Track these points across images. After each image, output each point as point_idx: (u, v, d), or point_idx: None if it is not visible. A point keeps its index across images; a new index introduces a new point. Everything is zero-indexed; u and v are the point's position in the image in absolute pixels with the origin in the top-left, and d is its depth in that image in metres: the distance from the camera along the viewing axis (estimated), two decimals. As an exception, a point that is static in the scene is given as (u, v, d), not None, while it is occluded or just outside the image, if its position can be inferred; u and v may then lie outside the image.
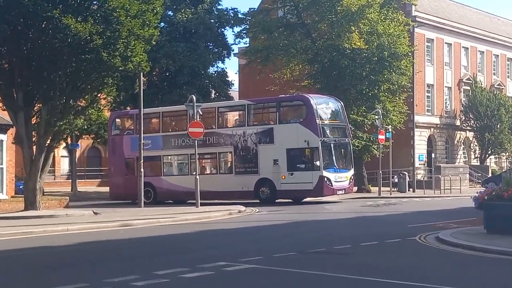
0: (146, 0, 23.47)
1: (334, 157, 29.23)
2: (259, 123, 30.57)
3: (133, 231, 18.61)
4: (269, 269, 11.25)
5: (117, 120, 35.37)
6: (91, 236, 17.09)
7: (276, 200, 29.22)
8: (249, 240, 16.03)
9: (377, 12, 36.30)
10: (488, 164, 52.17)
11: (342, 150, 30.16)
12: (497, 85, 55.83)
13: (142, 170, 27.48)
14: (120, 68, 23.16)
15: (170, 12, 41.88)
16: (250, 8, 41.44)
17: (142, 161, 27.72)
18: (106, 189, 36.92)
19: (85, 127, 38.93)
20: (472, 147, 53.05)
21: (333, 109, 30.58)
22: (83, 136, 42.36)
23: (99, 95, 27.82)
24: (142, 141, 28.15)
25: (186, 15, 41.04)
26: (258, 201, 29.20)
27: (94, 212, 23.47)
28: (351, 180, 30.10)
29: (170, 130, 32.86)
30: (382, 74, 36.67)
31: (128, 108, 39.81)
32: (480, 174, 47.92)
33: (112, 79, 24.69)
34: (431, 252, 13.43)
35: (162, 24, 39.26)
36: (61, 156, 50.60)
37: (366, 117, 37.10)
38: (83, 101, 26.63)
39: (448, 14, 53.68)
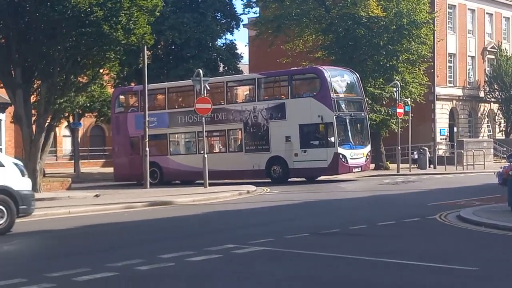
0: (149, -31, 23.38)
1: (349, 133, 29.13)
2: (270, 97, 30.49)
3: (138, 213, 18.71)
4: (281, 251, 11.29)
5: (121, 97, 35.38)
6: (94, 219, 17.22)
7: (289, 179, 29.23)
8: (260, 222, 16.08)
9: (395, -23, 35.94)
10: (514, 137, 51.86)
11: (358, 125, 30.05)
12: (523, 53, 55.27)
13: (147, 149, 27.55)
14: (123, 42, 23.12)
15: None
16: (260, -25, 41.01)
17: (147, 139, 27.77)
18: (110, 170, 37.07)
19: (87, 104, 38.90)
20: (497, 120, 52.75)
21: (349, 82, 30.42)
22: (86, 115, 42.37)
23: (101, 70, 27.88)
24: (147, 119, 28.16)
25: (193, -16, 40.81)
26: (269, 180, 29.21)
27: (96, 195, 23.50)
28: (367, 157, 30.01)
29: (177, 107, 32.85)
30: (401, 43, 36.38)
31: (132, 84, 39.77)
32: (505, 149, 47.68)
33: (115, 53, 24.66)
34: (451, 231, 13.42)
35: (167, -6, 39.06)
36: (63, 136, 50.76)
37: (383, 89, 36.91)
38: (85, 77, 26.68)
39: (471, -21, 53.06)
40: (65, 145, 51.63)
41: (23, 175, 14.77)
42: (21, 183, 14.57)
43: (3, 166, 14.41)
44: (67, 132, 49.68)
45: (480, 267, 9.60)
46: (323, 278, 9.27)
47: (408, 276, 9.26)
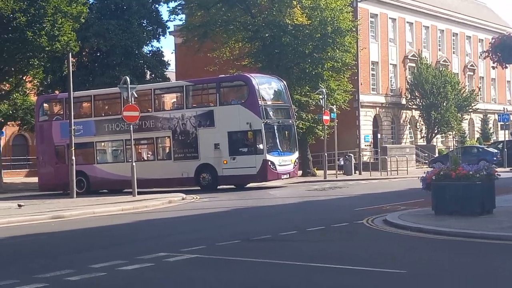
0: (73, -25, 23.05)
1: (278, 140, 29.42)
2: (198, 105, 30.47)
3: (65, 223, 18.34)
4: (213, 258, 11.30)
5: (45, 104, 34.57)
6: (19, 230, 16.75)
7: (218, 187, 29.25)
8: (191, 229, 16.03)
9: (319, -15, 36.50)
10: (434, 143, 53.46)
11: (286, 132, 30.37)
12: (442, 61, 57.17)
13: (73, 158, 27.04)
14: (47, 48, 22.83)
15: (99, -12, 41.13)
16: (186, -18, 40.92)
17: (73, 148, 27.25)
18: (34, 179, 36.17)
19: (10, 112, 37.90)
20: (418, 127, 54.24)
21: (276, 89, 30.72)
22: (8, 123, 41.25)
23: (24, 77, 27.22)
24: (73, 127, 27.63)
25: (117, -10, 40.35)
26: (199, 188, 29.18)
27: (18, 205, 22.76)
28: (295, 164, 30.36)
29: (103, 115, 32.41)
30: (325, 51, 36.96)
31: (57, 91, 38.97)
32: (426, 154, 49.08)
33: (39, 60, 24.29)
34: (378, 235, 13.72)
35: (91, 0, 38.56)
36: (-16, 145, 49.19)
37: (310, 97, 37.45)
38: (7, 85, 26.03)
39: (392, -12, 54.46)
40: (-14, 154, 49.98)
41: None
42: None
43: None
44: (-12, 141, 48.16)
45: (408, 269, 9.88)
46: (257, 284, 9.33)
47: (340, 279, 9.43)
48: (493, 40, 13.66)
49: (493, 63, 13.79)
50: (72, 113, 27.75)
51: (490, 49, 13.65)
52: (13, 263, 11.73)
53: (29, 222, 18.49)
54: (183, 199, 24.42)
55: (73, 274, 10.02)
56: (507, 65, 14.20)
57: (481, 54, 16.43)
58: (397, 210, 17.20)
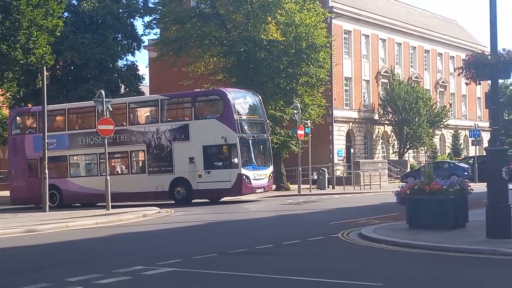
0: (49, -12, 22.96)
1: (252, 154, 29.47)
2: (173, 119, 30.44)
3: (39, 237, 18.15)
4: (190, 272, 11.29)
5: (18, 118, 34.27)
6: (-8, 244, 16.54)
7: (193, 200, 29.19)
8: (166, 243, 15.98)
9: (294, 2, 36.77)
10: (406, 158, 53.92)
11: (261, 146, 30.45)
12: (414, 77, 57.86)
13: (46, 171, 26.79)
14: (22, 61, 22.62)
15: (74, 1, 40.97)
16: (161, -3, 40.98)
17: (46, 161, 27.02)
18: (6, 193, 35.74)
19: (-18, 125, 37.56)
20: (390, 142, 54.72)
21: (251, 104, 30.82)
22: (-21, 136, 40.78)
23: (-3, 90, 27.02)
24: (46, 140, 27.41)
25: (92, 3, 40.22)
26: (173, 202, 29.08)
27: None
28: (270, 178, 30.43)
29: (77, 128, 32.21)
30: (300, 67, 37.20)
31: (29, 105, 38.65)
32: (398, 169, 49.51)
33: (13, 73, 24.05)
34: (354, 249, 13.81)
35: (66, 13, 38.38)
36: (-45, 158, 48.55)
37: (284, 112, 37.61)
38: (-20, 98, 25.79)
39: (365, 5, 55.14)
40: (-43, 168, 49.31)
41: None
42: None
43: None
44: (-41, 154, 47.54)
45: (384, 283, 9.96)
46: (234, 297, 9.35)
47: (317, 292, 9.48)
48: (467, 57, 13.89)
49: (467, 79, 14.03)
50: (46, 126, 27.53)
51: (464, 66, 13.89)
52: (-13, 277, 11.58)
53: (2, 236, 18.25)
54: (157, 213, 24.32)
55: None
56: (480, 81, 14.46)
57: (454, 70, 16.70)
58: (372, 224, 17.32)
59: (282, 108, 37.85)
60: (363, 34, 53.16)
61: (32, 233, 18.95)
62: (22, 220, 22.40)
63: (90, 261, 13.18)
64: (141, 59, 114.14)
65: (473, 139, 45.45)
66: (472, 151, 52.09)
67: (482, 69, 13.51)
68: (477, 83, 14.51)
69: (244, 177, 28.31)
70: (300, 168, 36.15)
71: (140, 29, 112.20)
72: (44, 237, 18.00)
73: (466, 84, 14.72)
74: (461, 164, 44.24)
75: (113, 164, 30.98)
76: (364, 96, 53.62)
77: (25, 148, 32.07)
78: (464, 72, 13.88)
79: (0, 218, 23.21)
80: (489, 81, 14.73)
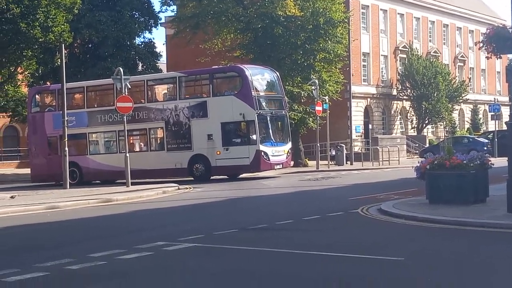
0: (66, -34, 22.97)
1: (271, 131, 29.48)
2: (191, 96, 30.46)
3: (61, 213, 18.36)
4: (211, 247, 11.39)
5: (37, 96, 34.43)
6: (15, 221, 16.78)
7: (211, 177, 29.31)
8: (186, 219, 16.11)
9: (311, -24, 36.49)
10: (425, 134, 53.69)
11: (279, 123, 30.43)
12: (433, 52, 57.37)
13: (66, 149, 27.01)
14: (40, 40, 22.73)
15: (91, -21, 40.93)
16: (177, -27, 40.84)
17: (66, 139, 27.23)
18: (26, 170, 36.11)
19: (1, 104, 37.79)
20: (409, 117, 54.47)
21: (269, 80, 30.76)
22: (-1, 114, 41.19)
23: (17, 69, 27.13)
24: (66, 118, 27.61)
25: (109, -19, 40.23)
26: (192, 178, 29.21)
27: (11, 196, 22.62)
28: (288, 154, 30.44)
29: (96, 106, 32.33)
30: (317, 42, 37.00)
31: (48, 83, 38.86)
32: (417, 145, 49.29)
33: (32, 51, 24.17)
34: (374, 224, 13.85)
35: (83, -9, 38.38)
36: (-25, 136, 49.09)
37: (302, 88, 37.48)
38: (-1, 76, 25.97)
39: (383, -20, 54.56)
40: (-23, 146, 49.90)
41: None
42: None
43: None
44: (-21, 133, 48.08)
45: (406, 257, 9.99)
46: (256, 271, 9.42)
47: (339, 267, 9.54)
48: (488, 31, 13.75)
49: (487, 53, 13.91)
50: (65, 104, 27.70)
51: (485, 39, 13.76)
52: (12, 253, 11.76)
53: (24, 213, 18.51)
54: (177, 189, 24.47)
55: (73, 263, 10.08)
56: (501, 55, 14.34)
57: (475, 45, 16.59)
58: (391, 200, 17.33)
59: (300, 84, 37.71)
60: (381, 9, 52.71)
61: (54, 209, 19.16)
62: (43, 197, 22.67)
63: (112, 237, 13.34)
64: (158, 36, 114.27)
65: (492, 113, 45.07)
66: (492, 125, 51.74)
67: (503, 42, 13.39)
68: (498, 56, 14.38)
69: (262, 153, 28.35)
70: (318, 144, 36.11)
71: (157, 6, 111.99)
72: (66, 214, 18.21)
73: (487, 58, 14.60)
74: (481, 139, 43.95)
75: (132, 141, 31.12)
76: (382, 71, 53.32)
77: (45, 126, 32.27)
78: (484, 46, 13.76)
79: (21, 196, 23.47)
80: (510, 55, 14.60)
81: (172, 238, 12.14)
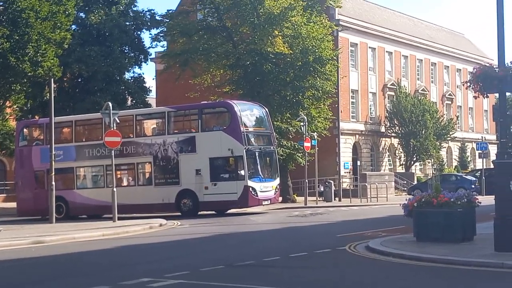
0: (57, 1, 23.08)
1: (259, 166, 29.47)
2: (180, 131, 30.47)
3: (46, 248, 18.16)
4: (197, 284, 11.27)
5: (25, 130, 34.37)
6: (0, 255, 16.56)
7: (199, 213, 29.18)
8: (173, 255, 15.96)
9: (300, 15, 36.83)
10: (413, 171, 53.80)
11: (268, 158, 30.45)
12: (421, 90, 57.81)
13: (53, 183, 26.84)
14: (30, 74, 22.69)
15: (82, 14, 41.20)
16: (168, 10, 41.24)
17: (53, 173, 27.08)
18: (12, 204, 35.81)
19: (-12, 137, 37.70)
20: (397, 154, 54.60)
21: (258, 116, 30.85)
22: (-15, 148, 40.95)
23: (5, 103, 27.10)
24: (54, 152, 27.49)
25: (100, 16, 40.46)
26: (179, 213, 29.07)
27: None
28: (277, 190, 30.42)
29: (84, 140, 32.29)
30: (306, 79, 37.21)
31: (37, 117, 38.80)
32: (405, 182, 49.40)
33: (21, 85, 24.15)
34: (361, 261, 13.77)
35: (74, 26, 38.58)
36: (-39, 170, 48.71)
37: (290, 124, 37.61)
38: (-13, 110, 25.90)
39: (371, 18, 55.26)
40: (-37, 179, 49.49)
41: None
42: None
43: None
44: (-34, 166, 47.72)
45: (392, 295, 9.93)
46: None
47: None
48: (475, 70, 13.89)
49: (475, 92, 14.02)
50: (53, 138, 27.58)
51: (472, 79, 13.88)
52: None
53: (9, 248, 18.28)
54: (164, 224, 24.30)
55: (57, 299, 9.94)
56: (488, 94, 14.46)
57: (462, 84, 16.74)
58: (379, 237, 17.27)
59: (289, 120, 37.85)
60: (369, 47, 53.21)
61: (39, 244, 18.96)
62: (29, 232, 22.45)
63: (96, 273, 13.18)
64: (148, 71, 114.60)
65: (480, 151, 45.32)
66: (479, 163, 51.95)
67: (490, 82, 13.51)
68: (485, 96, 14.49)
69: (250, 189, 28.30)
70: (306, 180, 36.12)
71: (147, 41, 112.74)
72: (52, 249, 18.00)
73: (474, 97, 14.70)
74: (468, 177, 44.09)
75: (119, 176, 31.00)
76: (370, 108, 53.60)
77: (32, 160, 32.16)
78: (471, 85, 13.87)
79: (7, 230, 23.20)
80: (497, 94, 14.72)
81: (158, 275, 12.02)
